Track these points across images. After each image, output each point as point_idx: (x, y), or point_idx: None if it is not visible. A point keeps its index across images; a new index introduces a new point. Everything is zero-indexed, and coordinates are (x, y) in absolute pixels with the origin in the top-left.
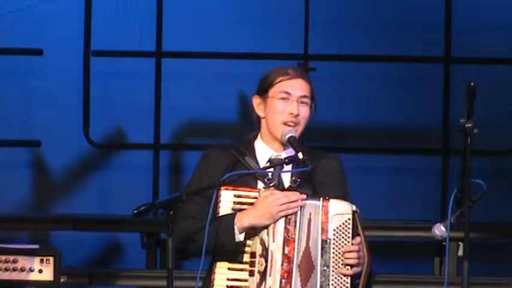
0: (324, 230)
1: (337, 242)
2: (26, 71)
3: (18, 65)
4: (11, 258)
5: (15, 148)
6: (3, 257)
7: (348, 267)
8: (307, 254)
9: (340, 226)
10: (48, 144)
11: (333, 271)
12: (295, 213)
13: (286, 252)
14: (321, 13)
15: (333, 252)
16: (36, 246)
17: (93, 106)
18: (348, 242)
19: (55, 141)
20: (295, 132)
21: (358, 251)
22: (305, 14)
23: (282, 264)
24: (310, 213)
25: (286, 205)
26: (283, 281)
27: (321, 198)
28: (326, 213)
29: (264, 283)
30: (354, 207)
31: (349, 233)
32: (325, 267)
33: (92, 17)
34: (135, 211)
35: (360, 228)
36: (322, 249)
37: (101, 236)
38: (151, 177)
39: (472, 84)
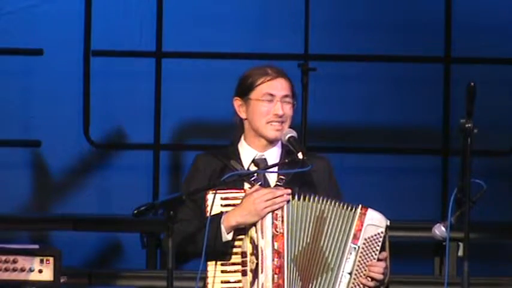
0: (356, 237)
1: (365, 251)
2: (26, 71)
3: (18, 65)
4: (11, 258)
5: (15, 148)
6: (3, 257)
7: (370, 278)
8: (315, 251)
9: (372, 237)
10: (48, 144)
11: (354, 279)
12: (282, 208)
13: (276, 247)
14: (321, 13)
15: (359, 261)
16: (36, 246)
17: (93, 106)
18: (376, 254)
19: (55, 141)
20: (294, 131)
21: (384, 267)
22: (305, 14)
23: (273, 260)
24: (323, 212)
25: (272, 201)
26: (275, 276)
27: (360, 205)
28: (362, 220)
29: (256, 280)
30: (388, 222)
31: (378, 245)
32: (348, 274)
33: (92, 17)
34: (135, 211)
35: (387, 243)
36: (349, 253)
37: (101, 236)
38: (151, 177)
39: (472, 84)
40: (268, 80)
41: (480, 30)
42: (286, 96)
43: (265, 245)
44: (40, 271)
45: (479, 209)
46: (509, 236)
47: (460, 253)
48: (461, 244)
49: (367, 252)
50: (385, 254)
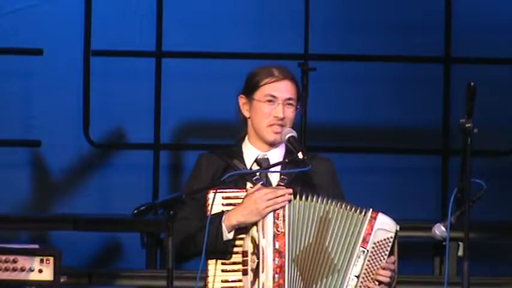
0: (365, 240)
1: (373, 255)
2: (26, 71)
3: (18, 65)
4: (11, 258)
5: (15, 148)
6: (3, 257)
7: (377, 282)
8: (318, 252)
9: (381, 242)
10: (48, 144)
11: (361, 282)
12: (284, 207)
13: (277, 247)
14: (321, 13)
15: (367, 265)
16: (36, 246)
17: (93, 106)
18: (384, 259)
19: (55, 141)
20: (294, 131)
21: (392, 272)
22: (305, 14)
23: (274, 259)
24: (328, 213)
25: (273, 200)
26: (276, 276)
27: (371, 210)
28: (372, 224)
29: (257, 280)
30: (398, 227)
31: (387, 250)
32: (355, 277)
33: (92, 17)
34: (135, 211)
35: (396, 248)
36: (358, 257)
37: (101, 236)
38: (151, 177)
39: (472, 84)
40: (272, 82)
41: (480, 30)
42: (289, 99)
43: (267, 245)
44: (40, 271)
45: (479, 209)
46: (509, 236)
47: (460, 253)
48: (461, 244)
49: (376, 256)
50: (393, 258)
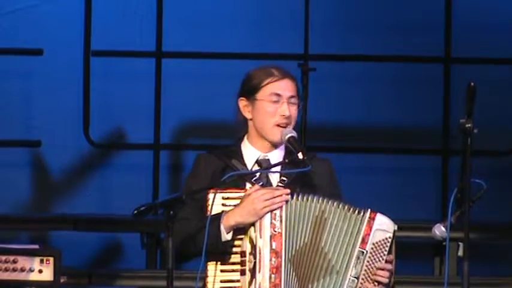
0: (364, 241)
1: (372, 256)
2: (26, 71)
3: (18, 65)
4: (11, 258)
5: (15, 148)
6: (3, 257)
7: (376, 283)
8: (314, 251)
9: (380, 242)
10: (48, 144)
11: (361, 283)
12: (281, 207)
13: (273, 247)
14: (321, 13)
15: (366, 265)
16: (36, 246)
17: (93, 106)
18: (382, 259)
19: (55, 141)
20: (294, 131)
21: (390, 271)
22: (305, 14)
23: (271, 260)
24: (324, 212)
25: (270, 201)
26: (272, 276)
27: (369, 210)
28: (370, 225)
29: (254, 280)
30: (396, 227)
31: (386, 250)
32: (355, 278)
33: (92, 17)
34: (135, 211)
35: (394, 247)
36: (357, 258)
37: (101, 236)
38: (151, 177)
39: (472, 84)
40: (275, 81)
41: (480, 30)
42: (292, 97)
43: (263, 245)
44: (40, 271)
45: (479, 209)
46: (509, 236)
47: (460, 253)
48: (461, 244)
49: (374, 256)
50: (391, 257)
